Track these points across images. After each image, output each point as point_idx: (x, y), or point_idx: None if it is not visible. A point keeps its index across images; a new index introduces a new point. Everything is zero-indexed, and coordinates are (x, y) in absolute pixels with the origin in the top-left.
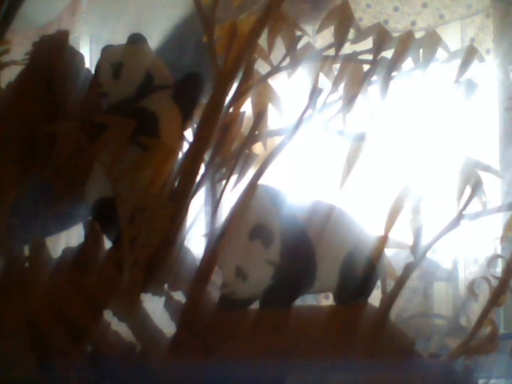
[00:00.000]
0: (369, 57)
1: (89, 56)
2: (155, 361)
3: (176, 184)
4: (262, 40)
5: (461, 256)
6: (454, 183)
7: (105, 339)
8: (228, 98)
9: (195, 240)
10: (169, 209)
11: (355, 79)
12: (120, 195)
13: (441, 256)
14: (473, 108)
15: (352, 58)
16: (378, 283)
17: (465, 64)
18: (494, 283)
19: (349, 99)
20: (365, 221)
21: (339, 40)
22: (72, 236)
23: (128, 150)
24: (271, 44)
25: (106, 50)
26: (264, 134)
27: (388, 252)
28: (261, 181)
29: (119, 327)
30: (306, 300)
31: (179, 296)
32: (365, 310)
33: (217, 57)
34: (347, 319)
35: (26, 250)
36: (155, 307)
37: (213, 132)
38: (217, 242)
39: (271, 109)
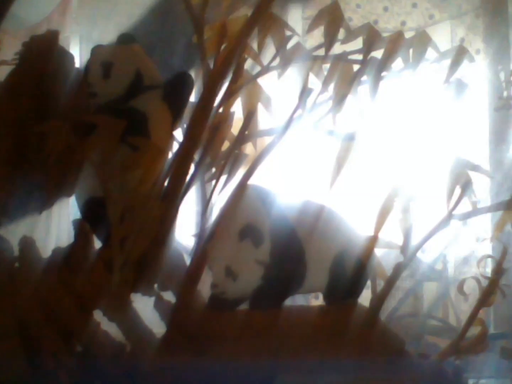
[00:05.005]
0: (359, 57)
1: (79, 56)
2: (145, 361)
3: (166, 184)
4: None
5: (451, 256)
6: (444, 183)
7: (95, 339)
8: (218, 98)
9: (185, 240)
10: (159, 209)
11: (345, 79)
12: (110, 195)
13: (431, 256)
14: (463, 108)
15: (342, 58)
16: (368, 283)
17: (455, 64)
18: (484, 283)
19: (339, 99)
20: (355, 221)
21: (329, 40)
22: (62, 236)
23: (118, 150)
24: (261, 44)
25: (96, 50)
26: (254, 134)
27: (378, 252)
28: (251, 181)
29: (109, 327)
30: (296, 300)
31: (169, 296)
32: (355, 310)
33: (207, 57)
34: (337, 319)
35: (16, 250)
36: (145, 307)
37: (203, 132)
38: (207, 242)
39: (261, 109)
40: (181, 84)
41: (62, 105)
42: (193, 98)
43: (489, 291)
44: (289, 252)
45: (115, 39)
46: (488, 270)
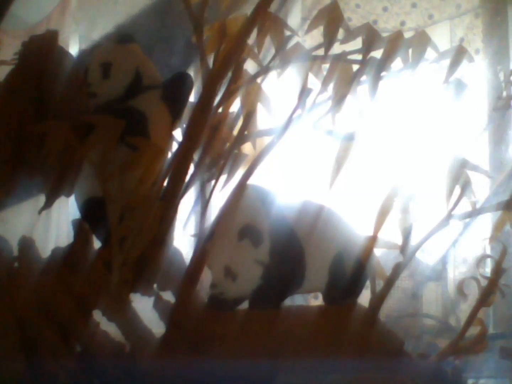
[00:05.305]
0: (359, 57)
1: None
2: (144, 361)
3: (165, 184)
4: (251, 40)
5: (451, 256)
6: (443, 183)
7: (94, 339)
8: (217, 98)
9: (184, 240)
10: (158, 209)
11: (344, 79)
12: (110, 195)
13: (431, 256)
14: (462, 108)
15: (342, 58)
16: (368, 283)
17: (454, 64)
18: (483, 283)
19: (339, 99)
20: (354, 221)
21: (329, 40)
22: (61, 236)
23: (117, 150)
24: (260, 44)
25: (95, 50)
26: (253, 134)
27: (377, 252)
28: (251, 181)
29: (108, 327)
30: (295, 300)
31: (168, 296)
32: (355, 310)
33: (206, 57)
34: (337, 319)
35: (15, 250)
36: (144, 307)
37: (202, 132)
38: (206, 242)
39: (260, 109)
40: (180, 84)
41: (61, 105)
42: (192, 98)
43: (489, 291)
44: (289, 252)
45: (114, 39)
46: (488, 270)
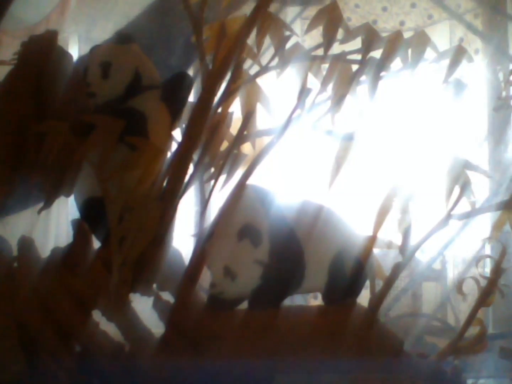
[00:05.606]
0: (358, 57)
1: (77, 56)
2: (143, 361)
3: (164, 184)
4: (251, 40)
5: (450, 256)
6: (443, 183)
7: (93, 339)
8: (216, 98)
9: (183, 240)
10: (157, 209)
11: (343, 79)
12: (109, 195)
13: (430, 256)
14: (462, 108)
15: (341, 58)
16: (367, 283)
17: (454, 64)
18: (483, 283)
19: (338, 99)
20: (353, 221)
21: (328, 40)
22: (60, 236)
23: (116, 150)
24: (259, 44)
25: (95, 50)
26: (253, 134)
27: (377, 252)
28: (250, 181)
29: (108, 327)
30: (295, 300)
31: (168, 296)
32: (354, 310)
33: (205, 57)
34: (336, 319)
35: (15, 250)
36: (144, 307)
37: (201, 132)
38: (206, 242)
39: (259, 109)
40: (180, 84)
41: (61, 105)
42: (192, 98)
43: (488, 291)
44: (288, 252)
45: (114, 39)
46: (487, 270)
